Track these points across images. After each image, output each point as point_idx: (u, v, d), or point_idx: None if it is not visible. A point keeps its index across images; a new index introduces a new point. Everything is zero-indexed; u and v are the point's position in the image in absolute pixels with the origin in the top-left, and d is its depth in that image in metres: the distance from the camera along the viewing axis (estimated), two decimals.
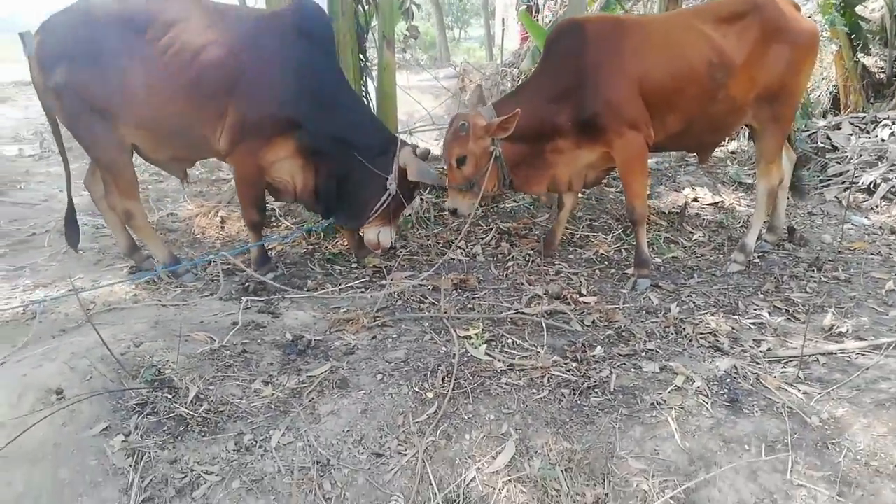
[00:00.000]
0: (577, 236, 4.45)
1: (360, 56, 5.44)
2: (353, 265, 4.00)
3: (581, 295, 3.60)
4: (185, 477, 2.22)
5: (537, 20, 12.74)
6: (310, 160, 3.66)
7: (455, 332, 3.07)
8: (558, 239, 4.15)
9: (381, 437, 2.41)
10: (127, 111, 3.40)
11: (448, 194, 3.76)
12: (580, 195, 4.40)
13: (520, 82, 11.21)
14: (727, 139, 5.91)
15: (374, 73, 5.68)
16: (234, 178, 3.75)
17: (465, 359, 2.88)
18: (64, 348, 2.78)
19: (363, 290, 3.67)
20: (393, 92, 5.52)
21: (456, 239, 4.28)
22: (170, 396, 2.55)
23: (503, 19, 13.58)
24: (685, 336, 3.14)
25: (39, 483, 2.22)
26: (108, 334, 2.87)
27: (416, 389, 2.65)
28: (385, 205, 3.70)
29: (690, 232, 4.56)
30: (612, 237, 4.44)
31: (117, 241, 3.92)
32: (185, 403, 2.50)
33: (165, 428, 2.41)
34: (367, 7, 5.46)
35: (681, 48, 3.53)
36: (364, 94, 5.56)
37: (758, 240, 4.12)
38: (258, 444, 2.36)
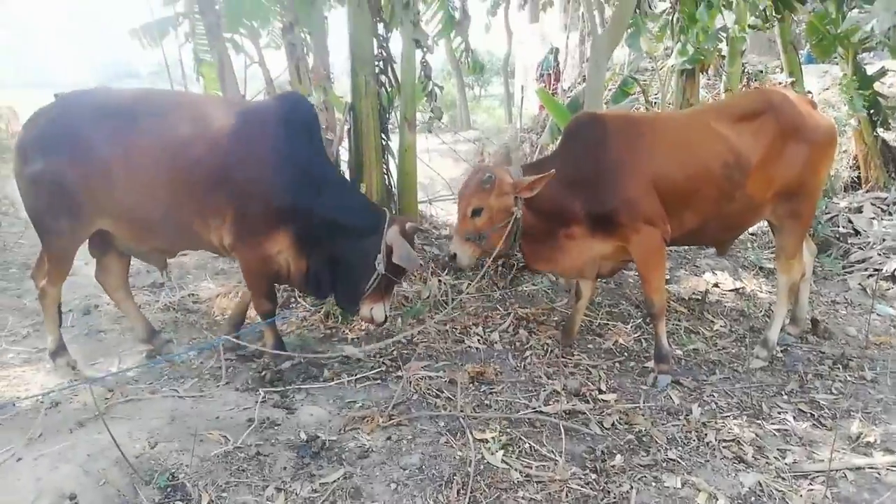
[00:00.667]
0: (596, 324, 4.41)
1: (382, 136, 5.56)
2: (371, 353, 3.98)
3: (601, 391, 3.54)
4: None
5: (556, 88, 12.98)
6: (303, 246, 3.66)
7: (471, 434, 3.03)
8: (576, 328, 4.11)
9: None
10: (106, 204, 3.44)
11: (453, 239, 3.74)
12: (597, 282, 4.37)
13: (537, 152, 11.42)
14: None
15: (395, 153, 5.80)
16: (242, 271, 3.77)
17: (482, 467, 2.82)
18: (80, 448, 2.78)
19: (380, 381, 3.64)
20: (414, 171, 5.62)
21: (474, 324, 4.27)
22: None
23: (522, 86, 13.82)
24: (707, 444, 3.06)
25: None
26: (124, 431, 2.87)
27: (431, 502, 2.60)
28: (375, 283, 3.68)
29: (711, 321, 4.51)
30: (631, 326, 4.40)
31: (135, 327, 3.96)
32: None
33: None
34: (389, 90, 5.61)
35: (696, 148, 3.55)
36: (385, 172, 5.66)
37: (781, 331, 4.06)
38: None
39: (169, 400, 3.35)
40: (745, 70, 8.49)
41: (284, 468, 2.80)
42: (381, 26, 5.30)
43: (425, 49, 5.28)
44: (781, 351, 4.07)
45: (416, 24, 5.03)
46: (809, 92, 7.68)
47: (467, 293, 4.63)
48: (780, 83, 8.31)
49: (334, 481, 2.71)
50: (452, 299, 4.52)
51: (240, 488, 2.65)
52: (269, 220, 3.52)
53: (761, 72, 8.72)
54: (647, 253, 3.59)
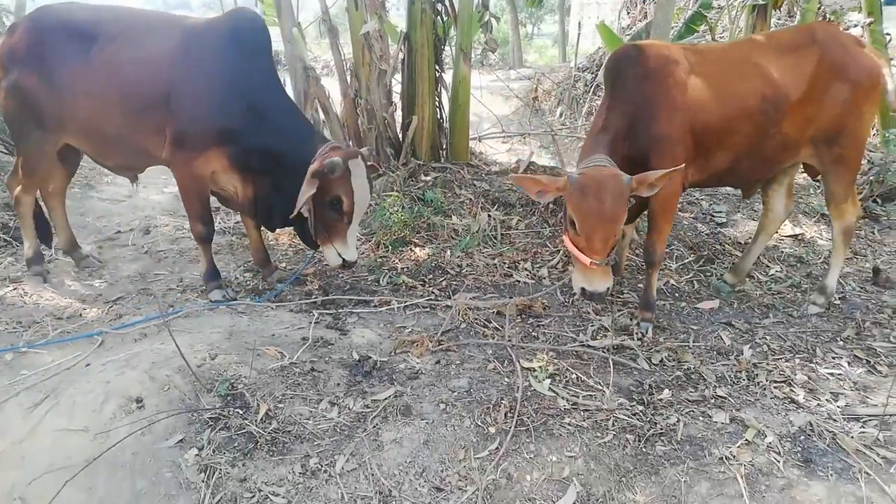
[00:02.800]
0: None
1: (436, 67, 5.47)
2: (421, 281, 4.03)
3: (649, 331, 3.52)
4: (254, 497, 2.30)
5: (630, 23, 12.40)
6: (243, 170, 3.57)
7: (519, 363, 3.06)
8: (622, 265, 4.05)
9: (442, 471, 2.43)
10: (69, 119, 3.55)
11: (587, 273, 2.98)
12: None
13: (591, 90, 11.06)
14: None
15: (449, 84, 5.71)
16: (178, 189, 3.73)
17: (529, 393, 2.86)
18: (145, 356, 2.92)
19: (429, 309, 3.70)
20: (466, 104, 5.55)
21: (523, 260, 4.26)
22: (241, 412, 2.64)
23: (579, 22, 13.33)
24: (758, 384, 3.03)
25: (118, 491, 2.34)
26: (186, 343, 2.99)
27: (479, 423, 2.66)
28: (313, 221, 3.49)
29: (767, 266, 4.39)
30: (682, 266, 4.33)
31: (59, 236, 4.15)
32: (256, 421, 2.59)
33: (236, 444, 2.51)
34: (445, 19, 5.48)
35: (734, 81, 3.32)
36: (437, 104, 5.59)
37: (718, 279, 4.07)
38: (323, 469, 2.42)
39: (227, 316, 3.48)
40: (821, 8, 7.96)
41: (338, 384, 2.90)
42: None
43: None
44: (839, 299, 3.95)
45: None
46: (888, 34, 7.18)
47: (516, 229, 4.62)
48: (857, 24, 7.80)
49: (385, 398, 2.79)
50: (502, 234, 4.51)
51: (295, 400, 2.76)
52: (202, 139, 3.44)
53: (838, 10, 8.16)
54: (664, 198, 3.29)
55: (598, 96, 11.21)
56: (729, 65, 3.42)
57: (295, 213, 3.38)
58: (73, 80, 3.46)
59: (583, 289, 3.02)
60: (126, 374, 2.78)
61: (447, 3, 5.46)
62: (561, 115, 11.83)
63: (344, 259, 3.51)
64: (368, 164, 3.52)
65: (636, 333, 3.44)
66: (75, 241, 4.17)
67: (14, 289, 3.85)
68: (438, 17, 5.43)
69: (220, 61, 3.44)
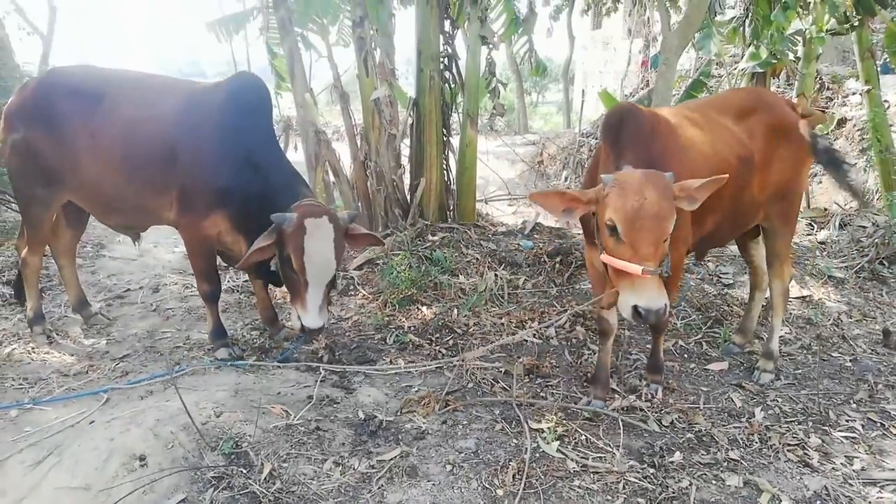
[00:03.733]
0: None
1: (444, 132, 5.63)
2: (428, 340, 4.02)
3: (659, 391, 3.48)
4: None
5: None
6: (240, 226, 3.50)
7: (527, 423, 3.02)
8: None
9: None
10: (73, 177, 3.60)
11: (636, 289, 2.61)
12: None
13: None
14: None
15: (456, 147, 5.85)
16: (186, 249, 3.76)
17: (537, 455, 2.81)
18: (150, 413, 2.90)
19: (435, 369, 3.67)
20: (473, 167, 5.67)
21: (530, 319, 4.26)
22: (245, 472, 2.60)
23: (583, 90, 13.73)
24: (771, 447, 2.97)
25: None
26: (192, 400, 2.97)
27: (486, 485, 2.61)
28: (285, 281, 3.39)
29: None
30: (689, 326, 4.31)
31: (69, 294, 4.22)
32: (259, 481, 2.54)
33: None
34: (452, 86, 5.67)
35: (719, 143, 3.32)
36: (444, 167, 5.72)
37: (726, 341, 4.06)
38: None
39: (232, 374, 3.46)
40: (818, 76, 8.20)
41: (343, 444, 2.86)
42: (447, 23, 5.37)
43: (491, 46, 5.32)
44: (850, 361, 3.91)
45: (484, 20, 5.08)
46: (886, 101, 7.37)
47: (523, 288, 4.63)
48: (855, 92, 8.00)
49: (391, 459, 2.74)
50: (509, 294, 4.53)
51: (300, 460, 2.72)
52: (206, 201, 3.45)
53: (836, 77, 8.40)
54: (675, 264, 3.09)
55: None
56: (709, 126, 3.43)
57: (242, 263, 3.33)
58: (79, 139, 3.53)
59: (635, 308, 2.60)
60: (131, 431, 2.75)
61: (454, 71, 5.66)
62: (566, 178, 12.02)
63: (301, 324, 3.24)
64: (345, 226, 3.34)
65: (645, 394, 3.40)
66: (85, 299, 4.20)
67: (22, 346, 3.86)
68: (446, 84, 5.62)
69: (223, 122, 3.47)
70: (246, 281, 4.96)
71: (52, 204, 3.77)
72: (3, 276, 4.58)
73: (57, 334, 4.04)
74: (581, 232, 3.61)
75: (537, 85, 33.15)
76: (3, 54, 6.93)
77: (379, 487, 2.58)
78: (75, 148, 3.53)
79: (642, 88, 11.80)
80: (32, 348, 3.83)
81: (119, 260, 5.44)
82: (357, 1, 5.15)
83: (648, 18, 13.93)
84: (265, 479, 2.56)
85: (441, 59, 5.54)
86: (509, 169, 11.65)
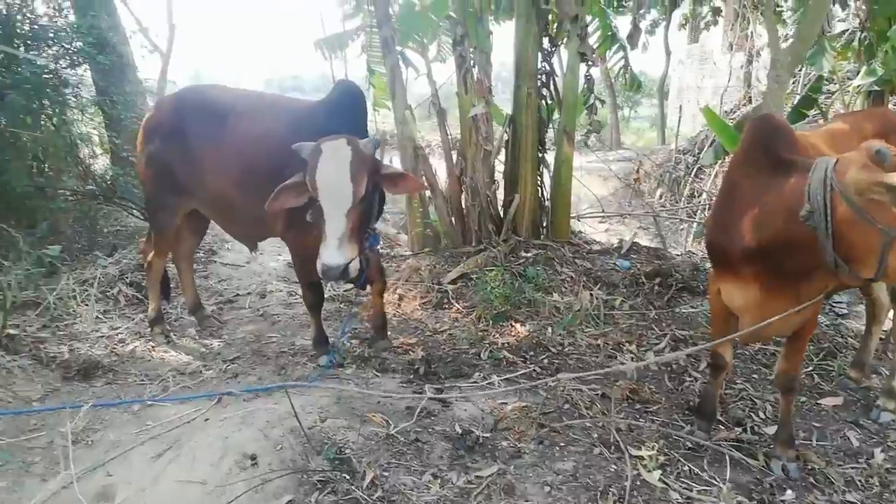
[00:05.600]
0: (769, 351, 4.12)
1: (539, 147, 5.62)
2: (523, 356, 4.01)
3: (766, 423, 3.32)
4: None
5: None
6: None
7: (627, 449, 2.95)
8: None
9: None
10: (200, 188, 3.84)
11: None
12: None
13: (693, 173, 10.89)
14: None
15: (550, 164, 5.83)
16: (292, 259, 3.92)
17: (638, 482, 2.75)
18: (259, 415, 3.05)
19: (529, 387, 3.65)
20: (568, 184, 5.63)
21: (627, 342, 4.16)
22: (348, 478, 2.68)
23: (680, 105, 13.34)
24: (893, 491, 2.77)
25: None
26: (297, 405, 3.08)
27: None
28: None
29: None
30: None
31: (186, 297, 4.54)
32: (362, 487, 2.62)
33: None
34: (549, 102, 5.66)
35: None
36: (539, 184, 5.70)
37: (840, 375, 3.78)
38: None
39: (334, 382, 3.58)
40: None
41: (441, 457, 2.89)
42: (545, 40, 5.38)
43: (590, 63, 5.28)
44: None
45: (584, 37, 5.05)
46: None
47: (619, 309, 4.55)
48: None
49: (489, 476, 2.75)
50: (605, 314, 4.45)
51: (399, 470, 2.78)
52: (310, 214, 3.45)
53: None
54: (814, 316, 2.88)
55: (700, 178, 11.06)
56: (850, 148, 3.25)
57: (270, 203, 3.20)
58: (206, 153, 3.78)
59: None
60: (243, 431, 2.90)
61: (552, 88, 5.66)
62: (661, 196, 11.70)
63: (320, 265, 3.01)
64: (368, 153, 3.15)
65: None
66: (200, 302, 4.47)
67: (143, 344, 4.15)
68: (543, 101, 5.62)
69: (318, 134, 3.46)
70: (348, 290, 5.13)
71: (179, 212, 4.06)
72: (126, 278, 4.94)
73: (174, 335, 4.32)
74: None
75: (629, 100, 32.50)
76: (129, 71, 7.48)
77: (477, 503, 2.60)
78: (203, 161, 3.79)
79: (744, 105, 11.33)
80: (152, 347, 4.11)
81: (229, 266, 5.75)
82: (458, 20, 5.25)
83: (751, 33, 13.38)
84: (367, 486, 2.63)
85: (539, 77, 5.54)
86: (602, 185, 11.46)
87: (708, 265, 4.86)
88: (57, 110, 5.74)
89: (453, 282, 4.99)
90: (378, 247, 3.87)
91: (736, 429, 3.25)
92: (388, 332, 4.19)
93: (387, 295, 4.94)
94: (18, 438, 3.10)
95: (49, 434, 3.13)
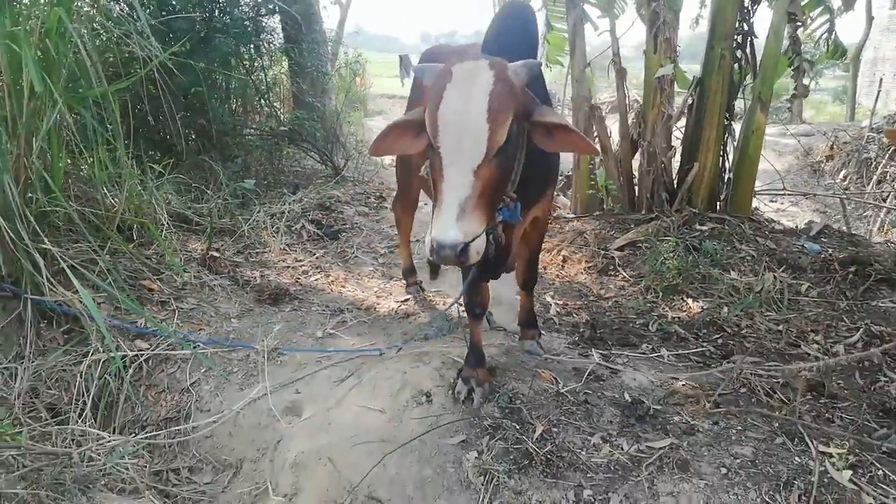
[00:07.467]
0: None
1: (727, 114, 5.26)
2: (695, 332, 3.84)
3: None
4: None
5: None
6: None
7: (813, 444, 2.76)
8: None
9: None
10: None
11: None
12: None
13: (887, 155, 9.76)
14: None
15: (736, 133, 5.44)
16: None
17: (825, 480, 2.56)
18: (434, 355, 3.18)
19: (702, 364, 3.51)
20: (757, 155, 5.24)
21: (812, 331, 3.85)
22: (518, 427, 2.74)
23: (881, 78, 11.86)
24: None
25: (407, 473, 2.57)
26: (466, 350, 3.20)
27: (766, 499, 2.44)
28: None
29: None
30: None
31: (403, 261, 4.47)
32: (532, 439, 2.66)
33: (512, 457, 2.59)
34: (743, 65, 5.25)
35: None
36: (721, 153, 5.35)
37: None
38: (597, 503, 2.41)
39: (500, 334, 3.65)
40: None
41: (610, 422, 2.86)
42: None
43: (800, 23, 4.80)
44: None
45: None
46: None
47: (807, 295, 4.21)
48: None
49: (661, 448, 2.69)
50: (788, 299, 4.13)
51: (568, 428, 2.79)
52: None
53: None
54: None
55: (894, 161, 9.86)
56: None
57: (373, 148, 2.47)
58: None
59: None
60: (420, 368, 3.05)
61: (748, 50, 5.22)
62: (845, 177, 10.61)
63: (429, 242, 2.04)
64: (519, 82, 2.14)
65: None
66: (413, 269, 4.46)
67: (323, 277, 4.46)
68: (736, 64, 5.22)
69: None
70: None
71: (416, 168, 4.15)
72: (308, 215, 5.30)
73: (351, 271, 4.60)
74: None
75: (813, 69, 29.45)
76: (315, 20, 7.88)
77: (649, 473, 2.55)
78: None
79: None
80: (332, 280, 4.41)
81: None
82: None
83: None
84: (537, 438, 2.68)
85: (735, 37, 5.14)
86: (776, 160, 10.56)
87: None
88: (253, 54, 6.18)
89: (620, 248, 4.86)
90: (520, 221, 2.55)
91: None
92: (540, 330, 3.54)
93: (548, 256, 4.92)
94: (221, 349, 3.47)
95: (245, 349, 3.47)
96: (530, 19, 2.78)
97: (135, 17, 3.91)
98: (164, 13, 4.01)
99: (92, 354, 3.26)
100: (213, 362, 3.37)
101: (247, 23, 5.96)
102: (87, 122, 3.32)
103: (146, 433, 3.13)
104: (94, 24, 4.09)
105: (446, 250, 1.97)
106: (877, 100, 10.80)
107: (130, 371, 3.30)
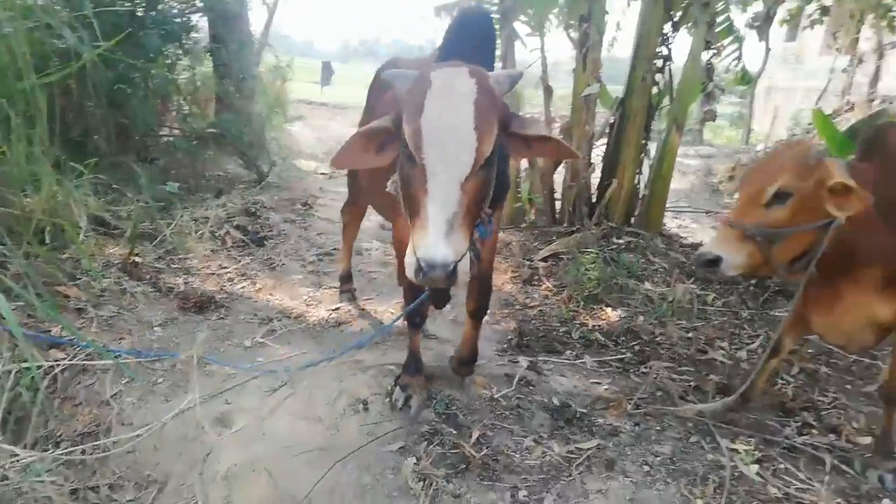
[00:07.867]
0: (863, 364, 4.05)
1: (645, 134, 5.57)
2: (614, 340, 4.05)
3: (859, 433, 3.29)
4: None
5: None
6: None
7: (722, 441, 2.99)
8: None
9: None
10: None
11: (717, 236, 2.54)
12: None
13: None
14: None
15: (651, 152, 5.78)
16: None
17: (736, 474, 2.79)
18: (369, 364, 3.21)
19: (621, 370, 3.71)
20: (669, 174, 5.57)
21: (719, 338, 4.15)
22: (454, 433, 2.82)
23: (776, 105, 12.88)
24: None
25: (347, 481, 2.58)
26: (401, 358, 3.24)
27: (685, 493, 2.63)
28: None
29: None
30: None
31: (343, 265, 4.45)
32: (469, 443, 2.74)
33: (450, 462, 2.67)
34: (661, 88, 5.59)
35: None
36: (638, 172, 5.66)
37: None
38: (532, 503, 2.52)
39: (433, 342, 3.72)
40: None
41: (541, 425, 2.99)
42: (667, 25, 5.29)
43: (715, 50, 5.17)
44: None
45: (712, 24, 4.95)
46: None
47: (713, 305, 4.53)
48: None
49: (588, 449, 2.84)
50: (697, 309, 4.44)
51: (502, 432, 2.89)
52: None
53: None
54: None
55: None
56: None
57: (335, 159, 2.20)
58: None
59: (716, 257, 2.46)
60: (357, 376, 3.07)
61: (666, 74, 5.57)
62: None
63: (417, 258, 1.86)
64: (499, 89, 2.01)
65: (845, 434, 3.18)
66: (350, 275, 4.45)
67: (248, 284, 4.38)
68: (655, 87, 5.55)
69: None
70: None
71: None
72: (233, 221, 5.19)
73: (279, 278, 4.53)
74: None
75: (720, 96, 31.35)
76: (242, 21, 7.69)
77: (579, 473, 2.69)
78: None
79: (846, 110, 10.86)
80: (259, 288, 4.33)
81: (324, 220, 5.96)
82: None
83: (857, 38, 12.72)
84: (474, 443, 2.76)
85: (655, 61, 5.47)
86: (679, 179, 11.25)
87: None
88: (179, 53, 5.99)
89: (544, 259, 5.05)
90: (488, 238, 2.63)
91: (830, 435, 3.24)
92: (476, 368, 3.31)
93: None
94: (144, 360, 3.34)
95: (170, 359, 3.36)
96: (488, 27, 2.69)
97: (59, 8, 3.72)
98: (92, 5, 3.82)
99: (3, 365, 3.06)
100: (135, 373, 3.24)
101: (176, 20, 5.77)
102: (11, 117, 3.14)
103: (62, 449, 2.97)
104: (14, 13, 3.85)
105: (437, 271, 1.81)
106: (772, 126, 11.73)
107: (45, 382, 3.12)
